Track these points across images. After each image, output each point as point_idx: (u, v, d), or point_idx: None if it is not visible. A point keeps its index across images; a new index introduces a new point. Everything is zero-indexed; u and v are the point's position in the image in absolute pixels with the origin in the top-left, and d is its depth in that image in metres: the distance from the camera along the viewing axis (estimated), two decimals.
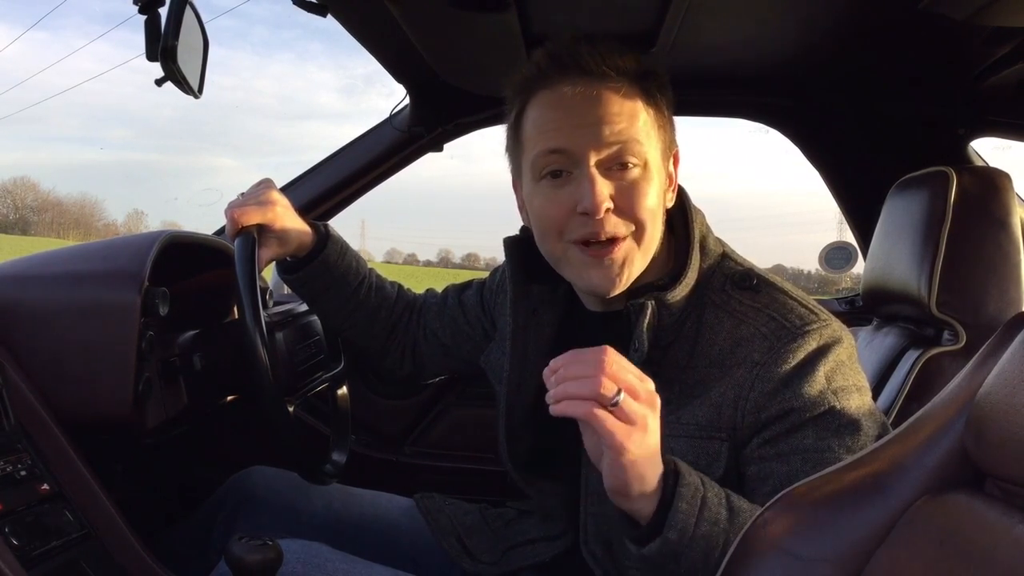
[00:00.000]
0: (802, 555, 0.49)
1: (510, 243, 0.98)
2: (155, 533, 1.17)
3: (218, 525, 1.10)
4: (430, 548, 1.06)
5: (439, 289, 1.24)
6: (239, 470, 1.18)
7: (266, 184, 1.04)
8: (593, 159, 0.80)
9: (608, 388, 0.62)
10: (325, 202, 1.66)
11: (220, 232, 1.47)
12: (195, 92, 1.05)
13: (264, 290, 1.40)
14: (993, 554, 0.40)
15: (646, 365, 0.81)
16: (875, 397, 1.15)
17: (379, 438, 1.66)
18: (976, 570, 0.41)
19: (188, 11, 0.97)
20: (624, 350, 0.82)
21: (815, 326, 0.79)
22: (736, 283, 0.85)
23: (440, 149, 1.70)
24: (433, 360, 1.20)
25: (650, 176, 0.82)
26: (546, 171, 0.83)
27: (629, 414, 0.63)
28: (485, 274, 1.19)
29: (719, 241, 0.90)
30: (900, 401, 1.11)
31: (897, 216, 1.24)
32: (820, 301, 0.92)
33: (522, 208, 0.93)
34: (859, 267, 1.71)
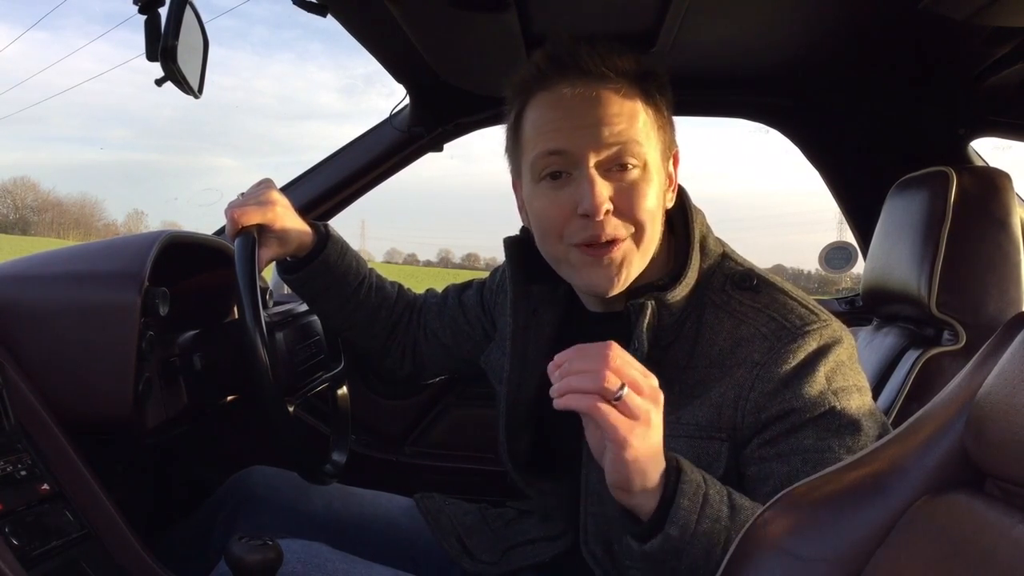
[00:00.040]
0: (802, 555, 0.49)
1: (510, 243, 0.98)
2: (155, 533, 1.17)
3: (218, 525, 1.10)
4: (430, 548, 1.07)
5: (439, 289, 1.24)
6: (239, 470, 1.18)
7: (266, 184, 1.04)
8: (592, 160, 0.80)
9: (612, 382, 0.63)
10: (325, 202, 1.65)
11: (220, 232, 1.47)
12: (195, 92, 1.05)
13: (264, 290, 1.40)
14: (993, 554, 0.40)
15: (646, 365, 0.81)
16: (875, 397, 1.15)
17: (379, 438, 1.65)
18: (976, 570, 0.41)
19: (188, 11, 0.97)
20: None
21: (815, 326, 0.79)
22: (736, 283, 0.85)
23: (440, 149, 1.70)
24: (433, 360, 1.20)
25: (649, 177, 0.82)
26: (545, 172, 0.83)
27: (632, 409, 0.63)
28: (485, 274, 1.19)
29: (719, 241, 0.90)
30: (900, 401, 1.12)
31: (897, 216, 1.24)
32: (820, 301, 0.92)
33: (522, 208, 0.93)
34: (859, 267, 1.71)
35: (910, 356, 1.16)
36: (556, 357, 0.67)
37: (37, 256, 1.09)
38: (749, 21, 1.18)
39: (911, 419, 0.52)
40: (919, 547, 0.45)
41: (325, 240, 1.07)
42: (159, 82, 0.99)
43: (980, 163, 1.47)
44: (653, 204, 0.82)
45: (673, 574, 0.69)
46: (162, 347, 1.11)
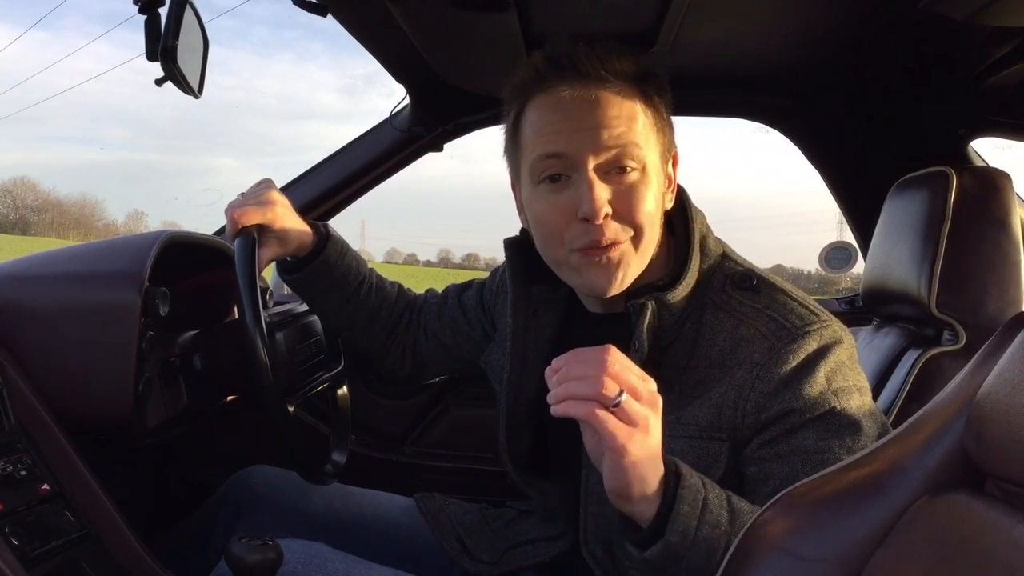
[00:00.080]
0: (802, 555, 0.49)
1: (510, 244, 0.98)
2: (155, 533, 1.17)
3: (218, 525, 1.10)
4: (430, 548, 1.06)
5: (439, 289, 1.24)
6: (239, 470, 1.18)
7: (266, 184, 1.04)
8: (592, 163, 0.79)
9: (610, 388, 0.62)
10: (325, 202, 1.65)
11: (220, 232, 1.47)
12: (195, 92, 1.05)
13: (264, 290, 1.40)
14: (993, 554, 0.40)
15: (646, 366, 0.80)
16: (875, 397, 1.15)
17: (379, 438, 1.65)
18: (976, 570, 0.41)
19: (188, 11, 0.97)
20: (624, 351, 0.82)
21: (815, 327, 0.79)
22: (736, 283, 0.85)
23: (440, 149, 1.70)
24: (433, 360, 1.20)
25: (648, 180, 0.81)
26: (545, 175, 0.82)
27: (631, 415, 0.63)
28: (485, 274, 1.19)
29: (719, 241, 0.90)
30: (900, 401, 1.11)
31: (897, 216, 1.24)
32: (820, 301, 0.92)
33: (520, 209, 0.93)
34: (859, 267, 1.71)
35: (910, 356, 1.16)
36: (553, 362, 0.65)
37: (37, 256, 1.09)
38: (749, 21, 1.18)
39: (911, 419, 0.52)
40: (919, 547, 0.45)
41: (325, 240, 1.07)
42: (159, 82, 0.99)
43: (980, 163, 1.47)
44: (652, 207, 0.82)
45: None
46: (162, 347, 1.11)
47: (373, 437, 1.65)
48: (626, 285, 0.84)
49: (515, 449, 0.99)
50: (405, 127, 1.62)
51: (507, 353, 0.98)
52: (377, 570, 0.96)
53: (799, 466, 0.75)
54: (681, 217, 0.89)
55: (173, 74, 0.97)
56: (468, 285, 1.19)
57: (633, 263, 0.83)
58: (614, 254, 0.81)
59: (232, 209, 0.97)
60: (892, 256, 1.23)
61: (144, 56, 0.94)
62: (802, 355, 0.77)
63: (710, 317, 0.83)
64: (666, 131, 0.86)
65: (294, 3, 1.15)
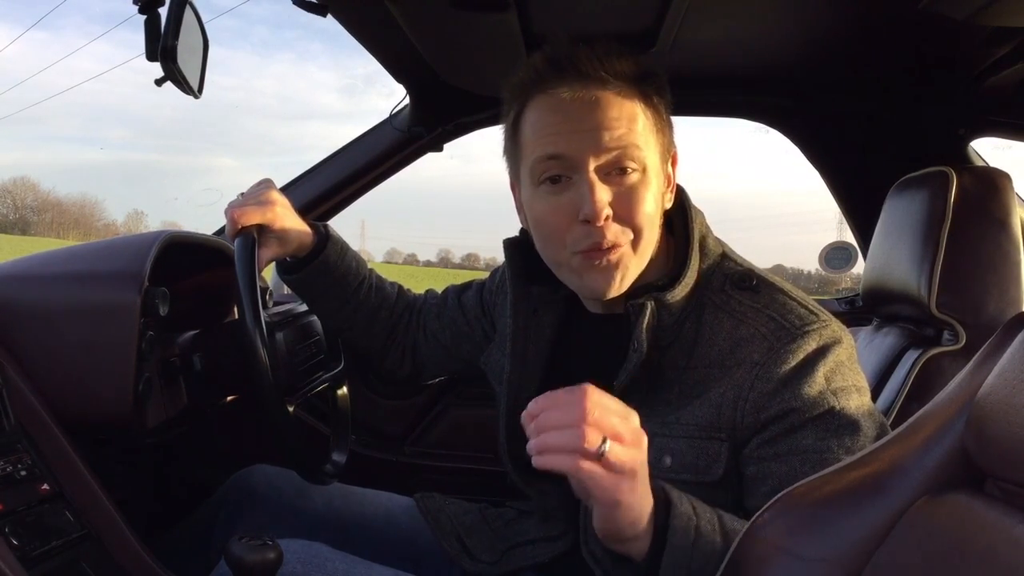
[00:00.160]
0: (802, 555, 0.49)
1: (510, 244, 0.98)
2: (155, 533, 1.17)
3: (218, 525, 1.10)
4: (430, 548, 1.06)
5: (439, 289, 1.24)
6: (239, 470, 1.18)
7: (266, 184, 1.04)
8: (592, 165, 0.79)
9: (592, 439, 0.58)
10: (325, 202, 1.65)
11: (220, 232, 1.47)
12: (195, 92, 1.05)
13: (264, 290, 1.40)
14: (993, 554, 0.40)
15: (646, 366, 0.81)
16: (875, 397, 1.15)
17: (379, 438, 1.65)
18: (976, 570, 0.41)
19: (188, 11, 0.97)
20: (624, 351, 0.82)
21: (815, 326, 0.79)
22: (736, 283, 0.85)
23: (440, 149, 1.70)
24: (433, 360, 1.20)
25: (648, 181, 0.81)
26: (545, 176, 0.82)
27: (617, 463, 0.59)
28: (485, 274, 1.19)
29: (719, 241, 0.90)
30: (900, 401, 1.11)
31: (897, 216, 1.24)
32: (820, 301, 0.92)
33: (520, 210, 0.93)
34: (859, 267, 1.71)
35: (910, 356, 1.16)
36: (530, 405, 0.62)
37: (37, 256, 1.09)
38: (749, 21, 1.18)
39: (911, 419, 0.52)
40: (919, 547, 0.45)
41: (325, 240, 1.07)
42: (159, 82, 0.99)
43: (980, 163, 1.47)
44: (651, 208, 0.82)
45: None
46: (162, 347, 1.11)
47: (373, 437, 1.65)
48: (626, 287, 0.84)
49: (515, 449, 0.99)
50: (405, 127, 1.62)
51: (507, 353, 0.98)
52: (377, 570, 0.96)
53: (798, 466, 0.75)
54: (681, 217, 0.89)
55: (173, 74, 0.97)
56: (468, 286, 1.19)
57: (632, 265, 0.83)
58: (614, 256, 0.81)
59: (232, 209, 0.97)
60: (892, 256, 1.23)
61: (144, 56, 0.94)
62: (801, 355, 0.77)
63: (710, 317, 0.83)
64: (666, 131, 0.86)
65: (294, 3, 1.15)
